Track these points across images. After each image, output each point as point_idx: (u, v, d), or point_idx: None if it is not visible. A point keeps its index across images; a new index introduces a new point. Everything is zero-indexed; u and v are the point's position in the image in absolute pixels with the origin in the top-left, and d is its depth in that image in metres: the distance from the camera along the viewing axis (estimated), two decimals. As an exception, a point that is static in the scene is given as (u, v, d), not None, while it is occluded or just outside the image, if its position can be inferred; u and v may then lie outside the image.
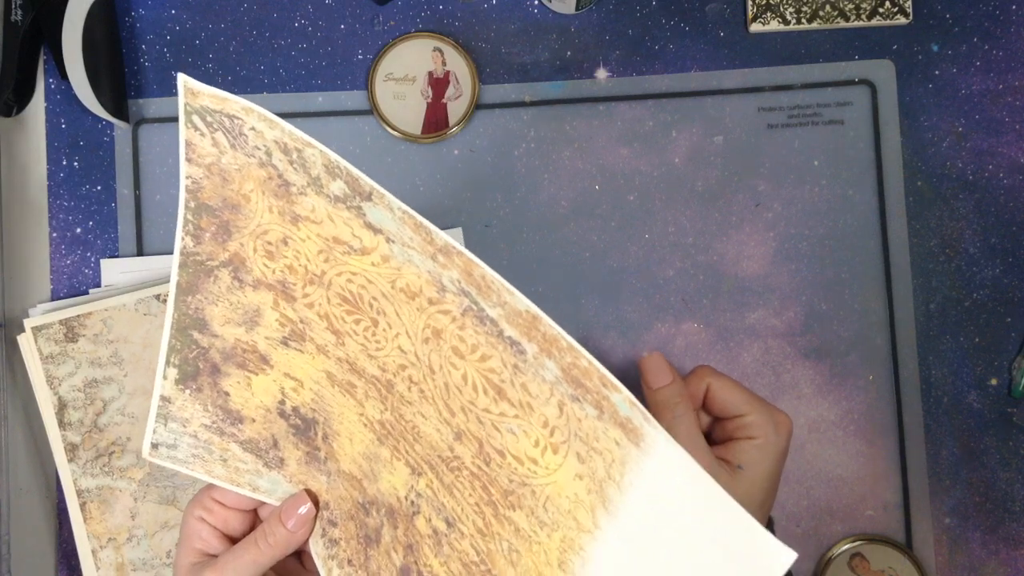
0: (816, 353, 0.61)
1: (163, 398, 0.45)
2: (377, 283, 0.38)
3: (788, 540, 0.59)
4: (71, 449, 0.56)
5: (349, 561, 0.44)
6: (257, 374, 0.44)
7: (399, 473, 0.41)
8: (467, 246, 0.60)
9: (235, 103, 0.37)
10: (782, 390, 0.61)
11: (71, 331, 0.56)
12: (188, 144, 0.39)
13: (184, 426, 0.45)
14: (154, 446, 0.46)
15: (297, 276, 0.41)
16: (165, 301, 0.57)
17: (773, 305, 0.61)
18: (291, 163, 0.38)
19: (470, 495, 0.39)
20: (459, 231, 0.60)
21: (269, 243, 0.41)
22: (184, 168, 0.40)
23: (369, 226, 0.37)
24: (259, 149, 0.38)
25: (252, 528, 0.46)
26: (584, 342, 0.60)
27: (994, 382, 0.61)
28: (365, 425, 0.42)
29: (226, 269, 0.42)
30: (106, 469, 0.56)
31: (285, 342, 0.43)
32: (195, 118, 0.39)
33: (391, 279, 0.38)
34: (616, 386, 0.32)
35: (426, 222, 0.36)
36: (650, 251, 0.61)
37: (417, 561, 0.41)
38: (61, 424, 0.56)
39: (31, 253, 0.59)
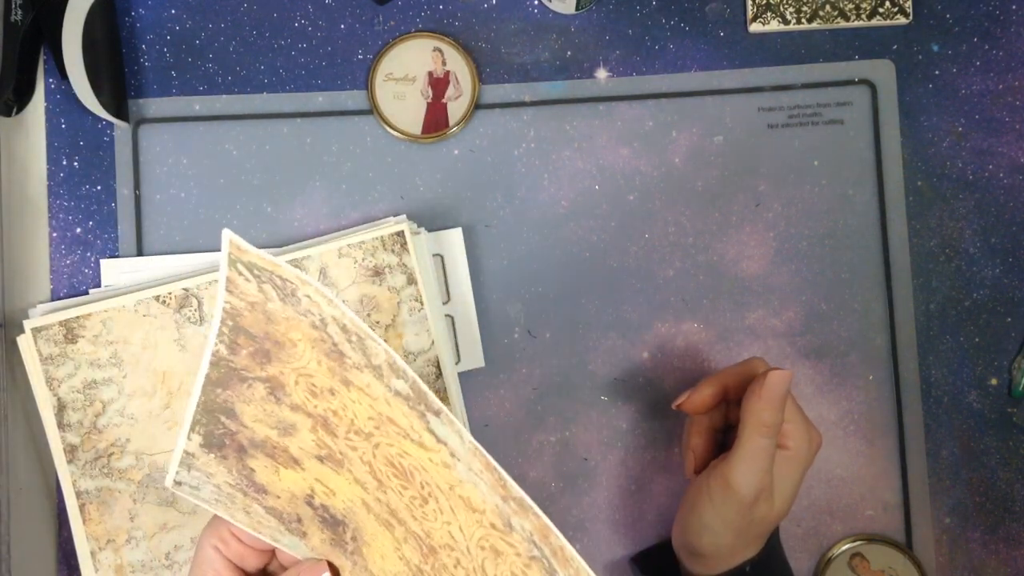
0: (816, 353, 0.61)
1: (187, 452, 0.41)
2: (432, 474, 0.34)
3: (788, 540, 0.59)
4: (70, 450, 0.56)
5: None
6: (287, 468, 0.40)
7: None
8: (467, 246, 0.60)
9: (287, 271, 0.34)
10: (782, 390, 0.61)
11: (71, 332, 0.56)
12: (230, 280, 0.35)
13: (208, 478, 0.42)
14: (177, 483, 0.42)
15: (342, 421, 0.37)
16: (165, 303, 0.57)
17: (773, 305, 0.61)
18: (349, 341, 0.34)
19: None
20: (459, 231, 0.60)
21: (314, 385, 0.37)
22: (223, 295, 0.36)
23: (433, 433, 0.34)
24: (313, 314, 0.34)
25: (267, 565, 0.45)
26: (584, 342, 0.60)
27: (994, 382, 0.61)
28: (400, 559, 0.38)
29: (263, 384, 0.38)
30: (105, 470, 0.56)
31: (320, 459, 0.39)
32: (240, 266, 0.35)
33: (450, 483, 0.34)
34: None
35: (500, 469, 0.32)
36: (650, 251, 0.61)
37: None
38: (60, 425, 0.56)
39: (31, 253, 0.59)
